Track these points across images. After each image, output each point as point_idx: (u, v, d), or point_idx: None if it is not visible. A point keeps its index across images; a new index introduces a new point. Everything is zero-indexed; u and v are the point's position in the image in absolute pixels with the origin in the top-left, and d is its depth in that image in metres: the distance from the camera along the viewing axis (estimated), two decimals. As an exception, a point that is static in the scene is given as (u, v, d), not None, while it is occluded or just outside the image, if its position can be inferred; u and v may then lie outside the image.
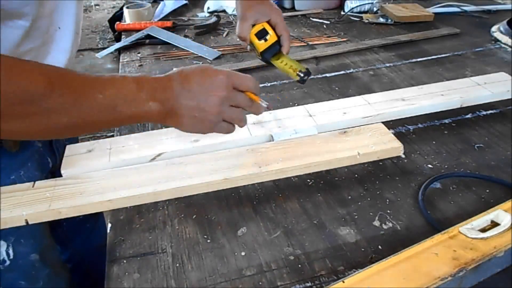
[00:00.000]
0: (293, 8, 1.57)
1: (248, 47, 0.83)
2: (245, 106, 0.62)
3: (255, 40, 0.79)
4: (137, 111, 0.56)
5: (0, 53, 0.49)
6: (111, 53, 1.36)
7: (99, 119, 0.55)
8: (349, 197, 0.70)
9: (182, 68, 0.60)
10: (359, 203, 0.69)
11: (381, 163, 0.76)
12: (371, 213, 0.67)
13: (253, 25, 0.79)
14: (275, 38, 0.79)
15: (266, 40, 0.79)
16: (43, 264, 0.79)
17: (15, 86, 0.48)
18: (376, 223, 0.65)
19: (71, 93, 0.52)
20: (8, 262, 0.74)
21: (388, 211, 0.67)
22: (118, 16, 1.73)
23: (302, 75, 0.76)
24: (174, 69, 0.60)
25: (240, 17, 0.80)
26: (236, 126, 0.64)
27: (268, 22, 0.79)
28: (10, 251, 0.74)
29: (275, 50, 0.80)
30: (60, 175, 0.69)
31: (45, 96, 0.50)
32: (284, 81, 1.07)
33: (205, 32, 1.39)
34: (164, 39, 1.32)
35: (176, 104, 0.58)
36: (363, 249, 0.61)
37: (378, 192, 0.71)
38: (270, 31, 0.79)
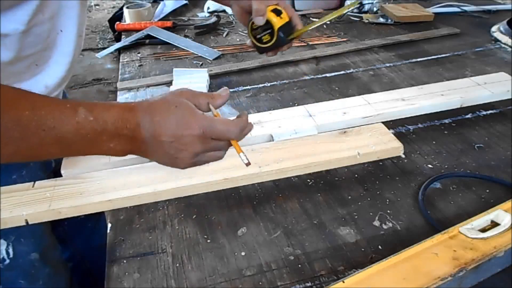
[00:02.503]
0: (293, 8, 1.57)
1: (248, 41, 0.83)
2: (224, 149, 0.58)
3: (272, 16, 0.78)
4: (94, 152, 0.54)
5: None
6: (111, 53, 1.36)
7: (49, 153, 0.52)
8: (349, 197, 0.70)
9: (156, 108, 0.53)
10: (359, 203, 0.69)
11: (381, 163, 0.76)
12: (371, 213, 0.67)
13: None
14: (288, 18, 0.80)
15: (281, 18, 0.79)
16: (43, 264, 0.79)
17: None
18: (376, 223, 0.65)
19: (20, 126, 0.47)
20: (7, 261, 0.74)
21: (388, 211, 0.67)
22: (118, 16, 1.72)
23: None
24: (148, 99, 0.55)
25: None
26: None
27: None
28: (10, 250, 0.74)
29: (290, 29, 0.80)
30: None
31: None
32: (284, 81, 1.07)
33: (205, 32, 1.39)
34: (164, 39, 1.32)
35: (144, 148, 0.54)
36: (363, 249, 0.61)
37: (378, 192, 0.71)
38: (283, 10, 0.79)
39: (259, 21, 0.78)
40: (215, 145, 0.55)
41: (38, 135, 0.48)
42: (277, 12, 0.79)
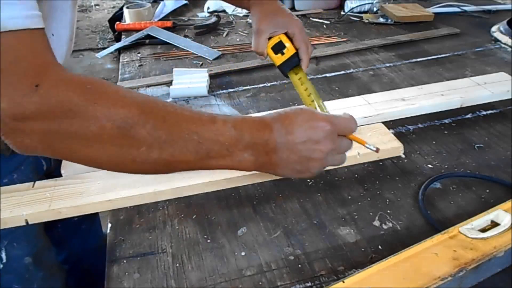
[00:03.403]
0: (293, 8, 1.57)
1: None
2: (348, 150, 0.58)
3: (272, 55, 0.76)
4: (229, 163, 0.53)
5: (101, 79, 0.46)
6: (111, 53, 1.36)
7: (187, 161, 0.50)
8: (349, 197, 0.70)
9: (284, 115, 0.54)
10: (359, 203, 0.69)
11: (381, 163, 0.76)
12: (371, 213, 0.67)
13: (270, 38, 0.76)
14: (293, 51, 0.76)
15: (283, 53, 0.75)
16: (37, 267, 0.79)
17: (112, 112, 0.46)
18: (376, 223, 0.65)
19: (166, 127, 0.48)
20: (1, 266, 0.74)
21: (388, 211, 0.67)
22: (118, 16, 1.72)
23: None
24: (273, 112, 0.56)
25: (255, 31, 0.76)
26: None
27: (286, 33, 0.76)
28: (3, 255, 0.74)
29: (294, 63, 0.76)
30: (57, 176, 0.69)
31: (138, 126, 0.46)
32: (284, 81, 1.07)
33: (205, 32, 1.39)
34: (164, 39, 1.32)
35: (275, 158, 0.54)
36: (363, 249, 0.61)
37: (378, 192, 0.71)
38: (288, 43, 0.76)
39: (261, 58, 0.77)
40: (340, 142, 0.56)
41: (182, 138, 0.49)
42: (279, 48, 0.75)
